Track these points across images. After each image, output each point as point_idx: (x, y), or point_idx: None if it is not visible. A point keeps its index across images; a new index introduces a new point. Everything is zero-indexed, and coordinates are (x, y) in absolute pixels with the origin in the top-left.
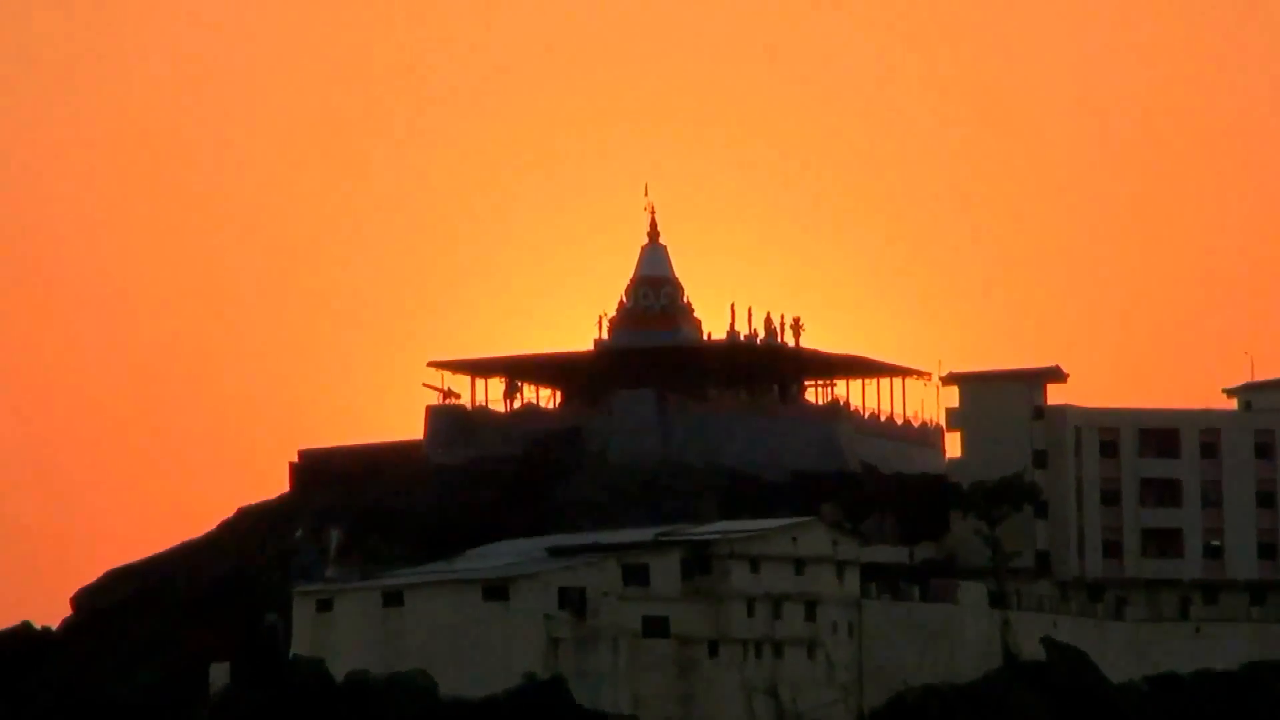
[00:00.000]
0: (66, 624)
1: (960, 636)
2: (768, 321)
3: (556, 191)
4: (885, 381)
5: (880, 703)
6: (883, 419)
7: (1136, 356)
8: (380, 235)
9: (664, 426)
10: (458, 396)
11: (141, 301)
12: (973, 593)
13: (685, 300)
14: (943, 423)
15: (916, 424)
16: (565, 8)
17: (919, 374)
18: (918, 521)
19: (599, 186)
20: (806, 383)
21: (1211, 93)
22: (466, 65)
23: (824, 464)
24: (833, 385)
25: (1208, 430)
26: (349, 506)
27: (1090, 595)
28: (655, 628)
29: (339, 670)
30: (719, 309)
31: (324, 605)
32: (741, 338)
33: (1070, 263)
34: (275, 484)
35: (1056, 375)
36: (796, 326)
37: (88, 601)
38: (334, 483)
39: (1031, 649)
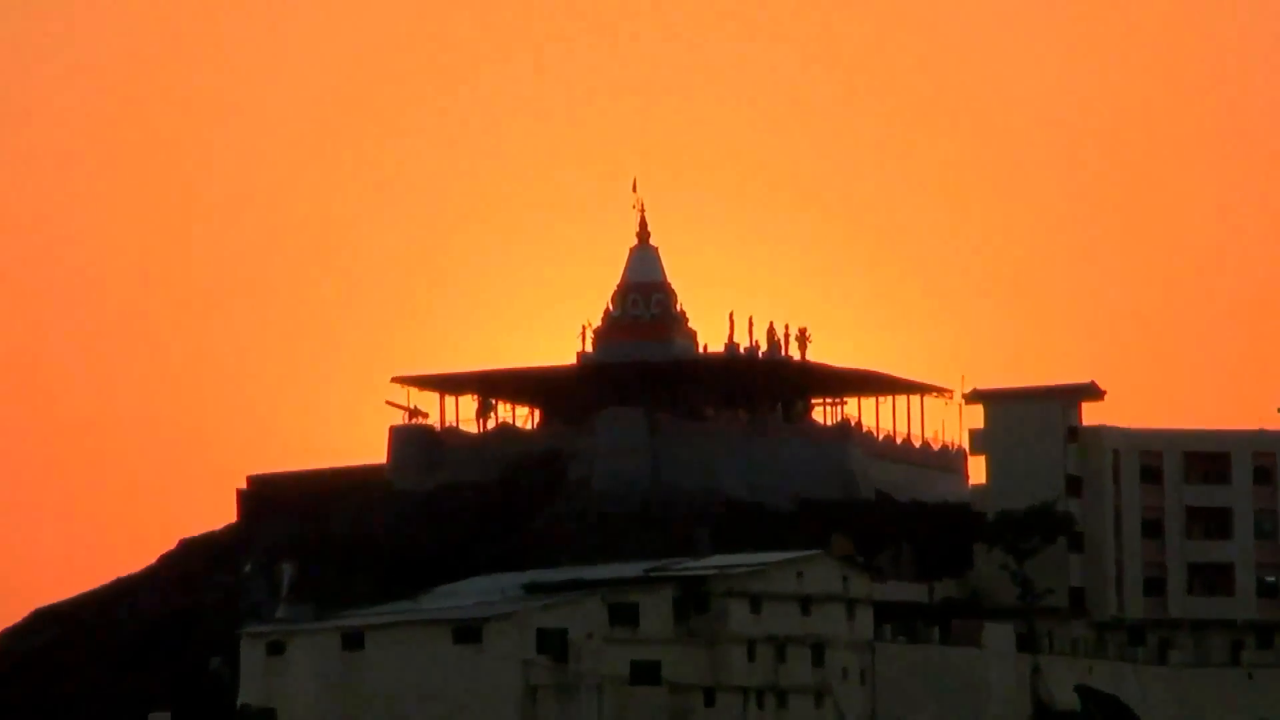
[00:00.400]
0: None
1: (985, 684)
2: (770, 332)
3: (534, 187)
4: (902, 399)
5: None
6: (899, 441)
7: (1182, 371)
8: (337, 235)
9: (655, 449)
10: (425, 416)
11: (70, 308)
12: (999, 635)
13: (678, 308)
14: (966, 445)
15: (936, 447)
16: None
17: (939, 391)
18: (938, 555)
19: (581, 181)
20: (814, 401)
21: (1269, 91)
22: (431, 51)
23: (833, 491)
24: (843, 404)
25: (1261, 453)
26: (303, 538)
27: (1130, 638)
28: (645, 674)
29: None
30: (716, 318)
31: (275, 649)
32: (741, 350)
33: (1107, 267)
34: (220, 513)
35: (1092, 392)
36: (803, 338)
37: (11, 645)
38: (286, 512)
39: (1065, 698)
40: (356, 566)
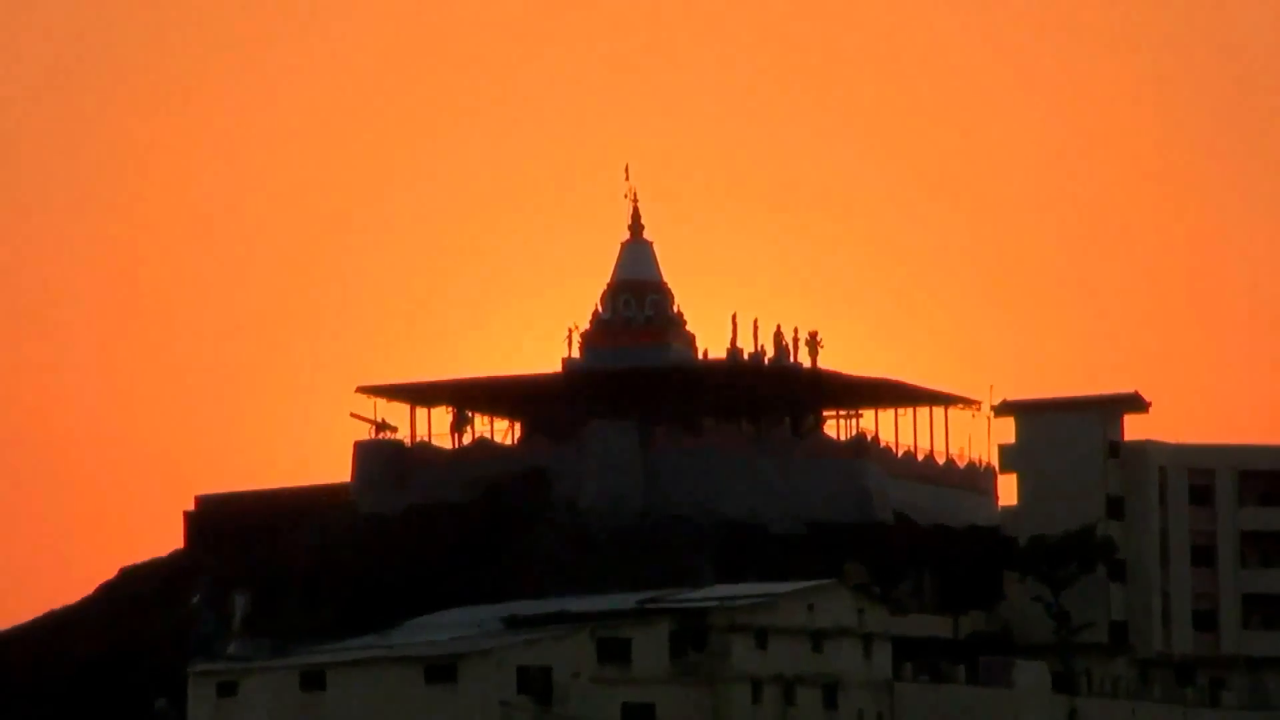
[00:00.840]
0: None
1: None
2: (778, 336)
3: (514, 176)
4: (924, 411)
5: None
6: (920, 458)
7: (1235, 380)
8: (295, 231)
9: (649, 466)
10: (393, 429)
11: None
12: (1032, 674)
13: (675, 309)
14: (995, 463)
15: (962, 464)
16: None
17: (966, 402)
18: (964, 585)
19: (567, 168)
20: (826, 413)
21: None
22: (403, 41)
23: (847, 513)
24: (858, 416)
25: None
26: (258, 566)
27: (1178, 677)
28: (638, 717)
29: None
30: (717, 320)
31: (226, 689)
32: (745, 356)
33: (1152, 265)
34: (165, 538)
35: (1135, 404)
36: (813, 343)
37: None
38: (239, 536)
39: None
40: (317, 597)
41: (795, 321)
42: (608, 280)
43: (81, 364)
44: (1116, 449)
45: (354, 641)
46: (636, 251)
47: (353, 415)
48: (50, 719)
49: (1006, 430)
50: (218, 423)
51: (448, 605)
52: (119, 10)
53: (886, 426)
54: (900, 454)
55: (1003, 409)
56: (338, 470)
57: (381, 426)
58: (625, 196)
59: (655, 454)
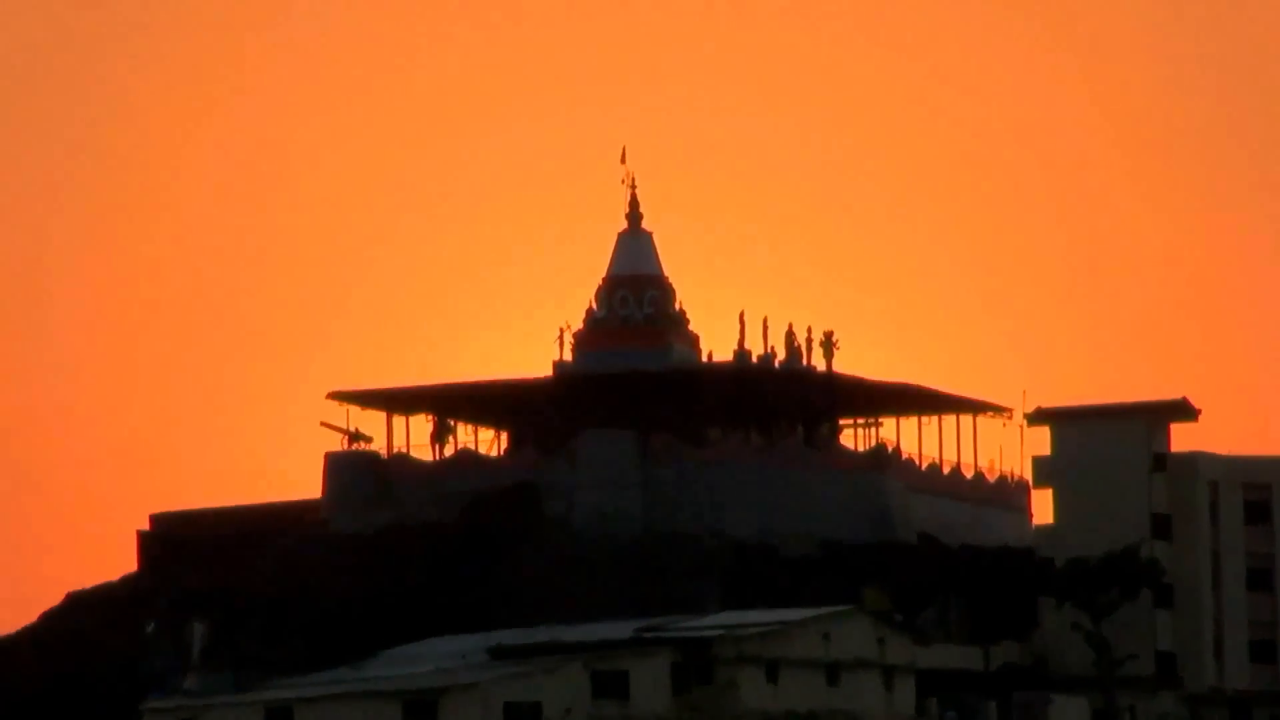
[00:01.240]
0: None
1: None
2: (789, 337)
3: (499, 160)
4: (950, 420)
5: None
6: (947, 471)
7: None
8: (260, 221)
9: (648, 481)
10: (368, 440)
11: None
12: (1070, 710)
13: (677, 307)
14: (1029, 477)
15: (992, 478)
16: None
17: (996, 410)
18: (995, 612)
19: (557, 151)
20: (842, 421)
21: None
22: (382, 27)
23: (866, 533)
24: (878, 425)
25: None
26: (218, 591)
27: (1233, 714)
28: None
29: None
30: (723, 319)
31: None
32: (754, 359)
33: (1201, 257)
34: (117, 561)
35: (1184, 411)
36: (829, 343)
37: None
38: (197, 559)
39: None
40: (284, 626)
41: (809, 320)
42: (602, 275)
43: (22, 366)
44: (1163, 461)
45: (324, 675)
46: (634, 243)
47: (323, 424)
48: None
49: (1041, 441)
50: (174, 432)
51: (428, 634)
52: (80, 7)
53: (909, 436)
54: (924, 467)
55: (1037, 417)
56: (307, 485)
57: (355, 437)
58: (622, 182)
59: (655, 467)
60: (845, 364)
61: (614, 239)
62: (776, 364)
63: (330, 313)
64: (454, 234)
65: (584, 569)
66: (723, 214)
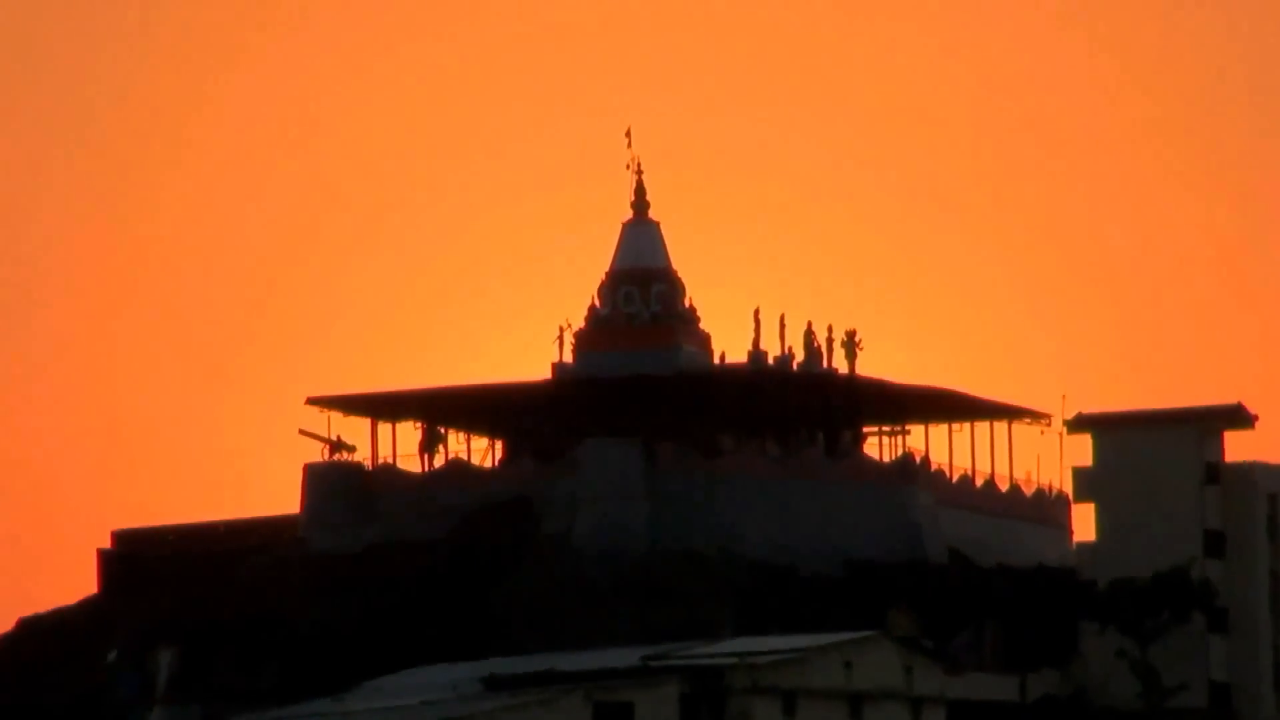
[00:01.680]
0: None
1: None
2: (809, 336)
3: (494, 146)
4: (983, 427)
5: None
6: (979, 484)
7: None
8: (233, 214)
9: (655, 494)
10: (351, 450)
11: None
12: None
13: (686, 303)
14: (1069, 489)
15: (1029, 491)
16: None
17: (1033, 416)
18: (1032, 638)
19: (557, 135)
20: (866, 429)
21: None
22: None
23: (893, 551)
24: (905, 432)
25: None
26: (186, 616)
27: None
28: None
29: None
30: (737, 317)
31: None
32: (770, 360)
33: (1254, 253)
34: (75, 583)
35: (1238, 418)
36: (851, 344)
37: None
38: (163, 580)
39: None
40: (258, 653)
41: (829, 319)
42: (605, 269)
43: None
44: (1216, 472)
45: (303, 707)
46: (640, 233)
47: (302, 432)
48: None
49: (1083, 450)
50: (138, 441)
51: (415, 663)
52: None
53: (939, 445)
54: (955, 479)
55: (1078, 424)
56: (284, 500)
57: (337, 446)
58: (627, 167)
59: (663, 479)
60: (869, 366)
61: (618, 229)
62: (794, 366)
63: (309, 311)
64: (445, 227)
65: (585, 591)
66: (736, 202)
